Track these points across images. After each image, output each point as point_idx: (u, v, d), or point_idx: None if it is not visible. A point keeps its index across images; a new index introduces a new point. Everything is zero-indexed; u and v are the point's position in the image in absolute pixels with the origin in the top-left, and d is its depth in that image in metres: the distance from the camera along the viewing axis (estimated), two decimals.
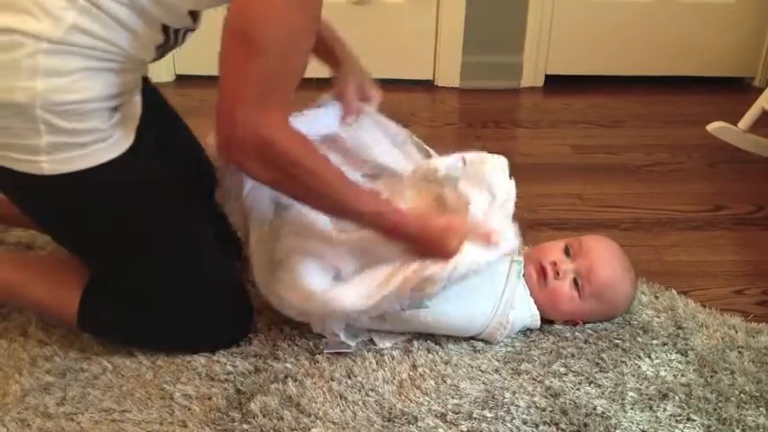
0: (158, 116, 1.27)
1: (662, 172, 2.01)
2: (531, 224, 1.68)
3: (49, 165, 1.04)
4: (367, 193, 1.15)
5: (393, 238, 1.17)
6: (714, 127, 2.12)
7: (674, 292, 1.41)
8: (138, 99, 1.19)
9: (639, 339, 1.28)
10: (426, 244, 1.15)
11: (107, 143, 1.08)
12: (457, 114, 2.41)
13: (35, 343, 1.23)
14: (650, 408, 1.13)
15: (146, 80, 1.23)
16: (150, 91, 1.26)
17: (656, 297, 1.39)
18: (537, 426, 1.09)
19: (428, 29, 2.54)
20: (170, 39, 1.12)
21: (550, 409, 1.12)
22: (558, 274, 1.27)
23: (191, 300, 1.18)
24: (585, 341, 1.27)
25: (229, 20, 0.98)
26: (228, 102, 0.99)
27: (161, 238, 1.17)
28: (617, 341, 1.27)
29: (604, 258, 1.29)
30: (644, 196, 1.85)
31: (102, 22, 1.01)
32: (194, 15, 1.11)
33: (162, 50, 1.13)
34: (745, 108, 2.06)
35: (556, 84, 2.63)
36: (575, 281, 1.27)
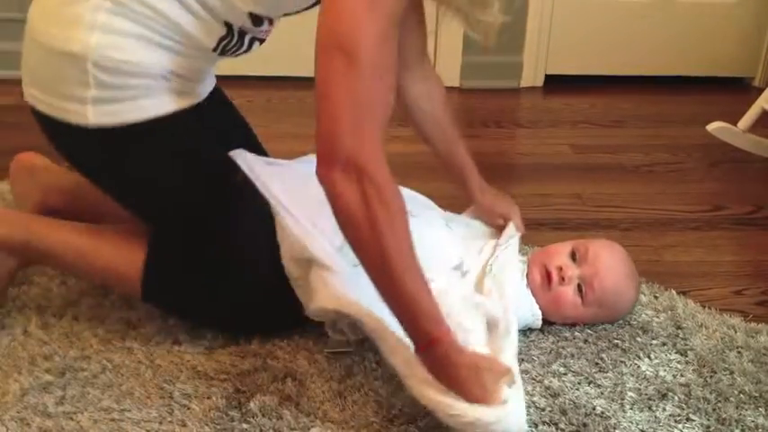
0: (224, 116, 1.33)
1: (661, 172, 2.01)
2: (531, 224, 1.68)
3: (94, 116, 1.10)
4: (432, 298, 1.01)
5: (433, 363, 1.01)
6: (714, 127, 2.12)
7: (673, 292, 1.41)
8: (202, 89, 1.23)
9: (639, 339, 1.28)
10: (471, 384, 0.99)
11: (154, 99, 1.12)
12: (457, 114, 2.41)
13: (35, 342, 1.23)
14: (649, 408, 1.13)
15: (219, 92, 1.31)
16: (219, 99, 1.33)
17: (656, 297, 1.39)
18: (536, 425, 1.09)
19: (428, 28, 2.54)
20: (233, 35, 1.15)
21: (550, 408, 1.12)
22: (563, 279, 1.27)
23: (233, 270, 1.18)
24: (585, 341, 1.27)
25: (322, 37, 0.97)
26: (328, 122, 0.96)
27: (205, 208, 1.18)
28: (616, 341, 1.27)
29: (610, 266, 1.28)
30: (643, 196, 1.85)
31: (167, 0, 1.07)
32: (255, 20, 1.13)
33: (225, 45, 1.16)
34: (744, 108, 2.06)
35: (556, 83, 2.63)
36: (578, 287, 1.27)
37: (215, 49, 1.16)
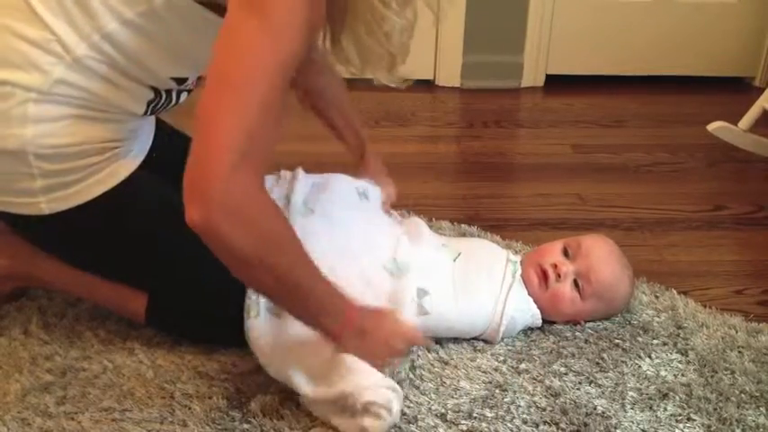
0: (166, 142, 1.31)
1: (662, 172, 2.01)
2: (532, 224, 1.68)
3: (47, 204, 1.10)
4: (325, 283, 1.05)
5: (345, 328, 1.06)
6: (714, 127, 2.12)
7: (674, 291, 1.41)
8: (145, 142, 1.22)
9: (640, 339, 1.28)
10: (377, 335, 1.08)
11: (102, 174, 1.12)
12: (457, 114, 2.41)
13: (36, 342, 1.23)
14: (650, 407, 1.13)
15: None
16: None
17: (657, 297, 1.39)
18: (537, 425, 1.09)
19: (428, 28, 2.54)
20: (161, 96, 1.15)
21: (550, 408, 1.12)
22: (558, 276, 1.27)
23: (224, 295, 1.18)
24: (586, 341, 1.27)
25: (210, 69, 0.92)
26: (208, 148, 0.89)
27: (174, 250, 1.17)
28: (617, 341, 1.27)
29: (603, 258, 1.29)
30: (644, 196, 1.85)
31: (89, 77, 1.06)
32: (179, 80, 1.14)
33: (154, 106, 1.16)
34: (745, 108, 2.06)
35: (556, 83, 2.63)
36: (575, 282, 1.27)
37: (145, 113, 1.16)
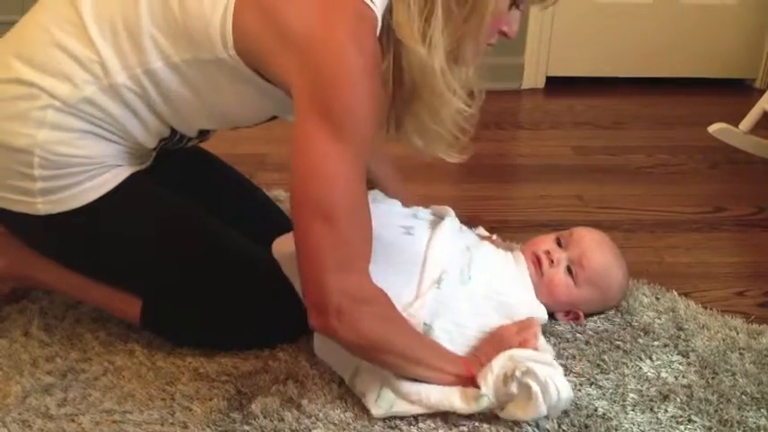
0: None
1: (663, 173, 2.02)
2: (532, 225, 1.69)
3: (43, 206, 1.11)
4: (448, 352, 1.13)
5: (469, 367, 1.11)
6: (715, 128, 2.12)
7: (675, 293, 1.41)
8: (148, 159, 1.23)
9: (640, 341, 1.28)
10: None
11: (100, 179, 1.12)
12: None
13: (36, 344, 1.23)
14: (651, 409, 1.13)
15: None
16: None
17: (657, 299, 1.39)
18: (538, 426, 1.09)
19: None
20: (176, 136, 1.17)
21: None
22: (552, 262, 1.29)
23: (214, 301, 1.19)
24: (587, 342, 1.27)
25: (296, 194, 0.99)
26: (314, 273, 1.00)
27: (174, 253, 1.19)
28: (618, 342, 1.27)
29: (595, 245, 1.32)
30: (645, 197, 1.85)
31: (116, 104, 1.08)
32: (201, 132, 1.18)
33: (165, 143, 1.18)
34: (746, 109, 2.07)
35: (557, 85, 2.63)
36: (568, 268, 1.29)
37: (154, 149, 1.18)
